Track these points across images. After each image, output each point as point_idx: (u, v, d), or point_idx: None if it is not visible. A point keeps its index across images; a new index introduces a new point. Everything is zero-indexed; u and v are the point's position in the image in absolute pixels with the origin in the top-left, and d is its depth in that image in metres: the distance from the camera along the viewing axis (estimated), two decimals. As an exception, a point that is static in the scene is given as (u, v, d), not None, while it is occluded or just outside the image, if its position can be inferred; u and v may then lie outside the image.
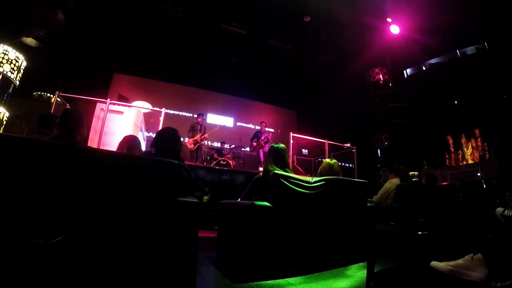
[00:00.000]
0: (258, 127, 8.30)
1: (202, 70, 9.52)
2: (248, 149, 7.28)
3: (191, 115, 9.70)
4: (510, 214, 2.38)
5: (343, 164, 7.75)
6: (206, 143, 7.39)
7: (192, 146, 6.93)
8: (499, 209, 2.60)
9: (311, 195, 2.30)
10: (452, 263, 1.45)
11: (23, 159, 1.27)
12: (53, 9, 0.90)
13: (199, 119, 7.30)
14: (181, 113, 9.76)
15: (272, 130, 7.71)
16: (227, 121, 10.20)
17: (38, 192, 1.27)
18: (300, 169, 6.72)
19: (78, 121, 2.15)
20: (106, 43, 7.75)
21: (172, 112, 9.47)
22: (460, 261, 1.44)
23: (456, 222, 2.92)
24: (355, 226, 2.59)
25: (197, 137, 6.98)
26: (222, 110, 10.37)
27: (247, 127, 10.42)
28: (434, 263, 1.51)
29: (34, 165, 1.29)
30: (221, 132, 8.36)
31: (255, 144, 7.26)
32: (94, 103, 5.53)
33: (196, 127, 7.16)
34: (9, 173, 1.23)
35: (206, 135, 7.13)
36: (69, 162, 1.37)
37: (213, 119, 10.12)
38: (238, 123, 10.50)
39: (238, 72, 9.66)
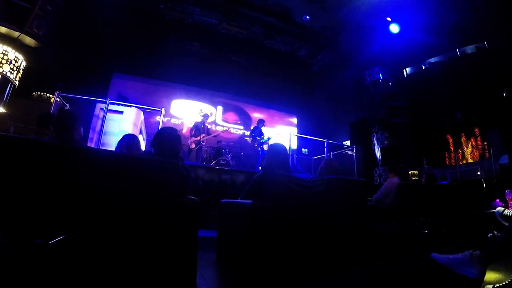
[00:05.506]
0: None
1: (202, 69, 9.51)
2: (256, 144, 7.19)
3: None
4: (510, 214, 2.39)
5: (342, 163, 7.76)
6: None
7: (193, 145, 6.92)
8: (499, 209, 2.61)
9: (311, 195, 2.31)
10: (451, 256, 1.47)
11: (22, 159, 1.27)
12: None
13: (204, 120, 7.26)
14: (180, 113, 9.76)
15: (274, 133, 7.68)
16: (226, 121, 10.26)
17: (38, 192, 1.27)
18: (300, 168, 6.71)
19: (74, 120, 2.15)
20: (106, 43, 7.73)
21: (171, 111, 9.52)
22: (459, 255, 1.46)
23: (456, 222, 2.93)
24: (355, 226, 2.59)
25: (200, 137, 6.96)
26: (222, 109, 10.38)
27: (247, 126, 10.42)
28: (434, 255, 1.52)
29: (33, 164, 1.29)
30: (221, 133, 8.36)
31: (259, 140, 7.22)
32: (93, 103, 5.53)
33: (200, 127, 7.12)
34: (8, 172, 1.23)
35: (209, 136, 7.11)
36: (68, 161, 1.37)
37: (213, 119, 10.14)
38: (238, 123, 10.50)
39: (238, 71, 9.65)
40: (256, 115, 10.51)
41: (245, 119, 10.59)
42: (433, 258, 1.52)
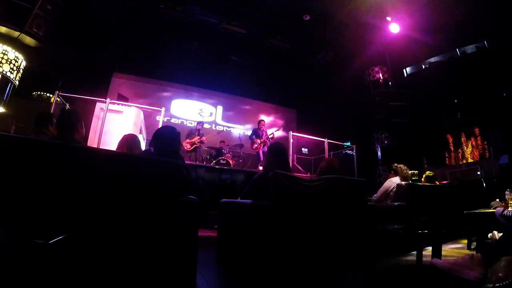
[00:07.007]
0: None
1: (202, 69, 9.51)
2: (254, 146, 7.23)
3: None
4: (510, 214, 2.38)
5: (342, 163, 7.75)
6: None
7: (188, 147, 6.99)
8: (499, 209, 2.60)
9: (311, 194, 2.30)
10: (452, 261, 1.47)
11: (22, 159, 1.27)
12: None
13: (199, 127, 7.38)
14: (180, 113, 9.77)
15: (274, 130, 7.66)
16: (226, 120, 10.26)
17: (38, 192, 1.27)
18: (300, 168, 6.72)
19: (76, 120, 2.15)
20: (106, 42, 7.74)
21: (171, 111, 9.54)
22: (459, 259, 1.45)
23: (456, 221, 2.93)
24: (355, 225, 2.59)
25: (195, 139, 7.05)
26: (222, 109, 10.39)
27: (247, 126, 10.42)
28: (434, 261, 1.53)
29: (33, 164, 1.29)
30: (215, 132, 8.39)
31: (258, 142, 7.24)
32: (93, 103, 5.52)
33: (194, 133, 7.24)
34: (8, 172, 1.23)
35: (204, 137, 7.18)
36: (68, 161, 1.37)
37: (213, 118, 10.15)
38: (238, 123, 10.49)
39: (238, 71, 9.65)
40: (256, 115, 10.52)
41: (245, 119, 10.60)
42: (434, 264, 1.53)
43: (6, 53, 4.99)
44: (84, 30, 7.03)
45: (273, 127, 9.27)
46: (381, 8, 6.76)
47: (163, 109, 5.92)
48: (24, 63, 5.40)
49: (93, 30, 7.20)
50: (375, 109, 8.12)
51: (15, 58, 5.14)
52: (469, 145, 7.77)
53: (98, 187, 1.40)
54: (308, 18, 7.40)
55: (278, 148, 2.50)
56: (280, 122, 10.69)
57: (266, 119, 8.91)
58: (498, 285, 1.28)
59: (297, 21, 7.56)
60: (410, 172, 3.81)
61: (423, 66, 8.12)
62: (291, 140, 6.64)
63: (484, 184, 5.83)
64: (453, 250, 3.24)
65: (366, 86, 8.47)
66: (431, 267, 1.52)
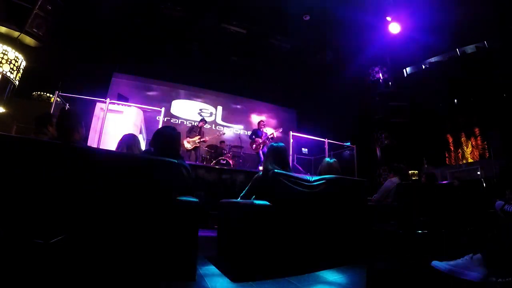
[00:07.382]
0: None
1: (202, 69, 9.51)
2: (254, 146, 7.23)
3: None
4: (510, 209, 2.38)
5: (342, 163, 7.74)
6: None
7: (188, 146, 6.99)
8: (499, 203, 2.59)
9: (311, 194, 2.31)
10: (451, 262, 1.46)
11: (22, 159, 1.27)
12: None
13: (201, 123, 7.37)
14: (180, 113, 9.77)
15: (273, 131, 7.65)
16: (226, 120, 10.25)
17: (38, 192, 1.27)
18: (300, 168, 6.72)
19: (76, 120, 2.15)
20: (106, 43, 7.74)
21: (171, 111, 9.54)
22: (459, 261, 1.45)
23: (456, 221, 2.92)
24: (355, 225, 2.59)
25: (196, 138, 7.04)
26: (222, 109, 10.38)
27: (247, 126, 10.41)
28: (434, 263, 1.52)
29: (33, 164, 1.29)
30: (220, 133, 8.38)
31: (258, 142, 7.24)
32: (93, 103, 5.53)
33: (196, 130, 7.22)
34: (8, 172, 1.23)
35: (206, 138, 7.17)
36: (68, 161, 1.37)
37: (213, 118, 10.15)
38: (238, 123, 10.48)
39: (238, 71, 9.65)
40: (256, 115, 10.52)
41: (245, 119, 10.59)
42: (433, 266, 1.52)
43: (6, 53, 4.99)
44: (84, 30, 7.03)
45: (273, 127, 9.27)
46: (381, 8, 6.77)
47: (163, 109, 5.93)
48: (24, 63, 5.40)
49: (93, 30, 7.20)
50: (375, 109, 8.11)
51: (15, 58, 5.14)
52: (469, 145, 7.76)
53: (98, 187, 1.40)
54: (308, 18, 7.40)
55: (278, 148, 2.51)
56: (280, 122, 10.69)
57: (266, 119, 8.91)
58: (501, 280, 1.27)
59: (297, 21, 7.56)
60: (410, 172, 3.81)
61: (423, 66, 8.12)
62: (291, 140, 6.64)
63: (484, 184, 5.82)
64: (453, 250, 3.22)
65: (366, 86, 8.46)
66: (431, 268, 1.51)
